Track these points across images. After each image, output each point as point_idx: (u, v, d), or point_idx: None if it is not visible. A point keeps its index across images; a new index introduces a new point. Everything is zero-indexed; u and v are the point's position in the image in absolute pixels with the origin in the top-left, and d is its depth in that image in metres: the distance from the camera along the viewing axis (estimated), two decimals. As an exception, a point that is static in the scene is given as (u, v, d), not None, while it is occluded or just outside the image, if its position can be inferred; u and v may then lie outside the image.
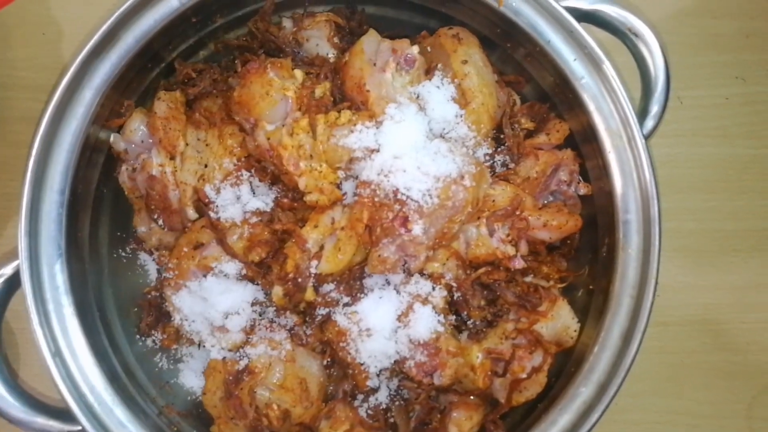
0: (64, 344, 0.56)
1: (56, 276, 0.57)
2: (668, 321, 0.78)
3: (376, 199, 0.60)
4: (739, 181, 0.80)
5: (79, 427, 0.56)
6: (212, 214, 0.63)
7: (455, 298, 0.65)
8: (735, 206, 0.80)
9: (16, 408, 0.55)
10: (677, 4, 0.82)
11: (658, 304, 0.59)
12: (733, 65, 0.82)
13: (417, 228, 0.60)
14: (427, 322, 0.62)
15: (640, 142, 0.60)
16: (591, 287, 0.67)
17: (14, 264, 0.57)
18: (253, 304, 0.65)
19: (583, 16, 0.63)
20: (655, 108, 0.62)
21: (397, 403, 0.65)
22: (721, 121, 0.81)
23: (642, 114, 0.62)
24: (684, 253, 0.79)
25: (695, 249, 0.80)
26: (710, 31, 0.82)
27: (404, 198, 0.60)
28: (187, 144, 0.65)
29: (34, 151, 0.57)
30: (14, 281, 0.57)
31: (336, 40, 0.70)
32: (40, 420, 0.56)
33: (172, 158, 0.65)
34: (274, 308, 0.65)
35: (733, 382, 0.77)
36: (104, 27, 0.60)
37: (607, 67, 0.61)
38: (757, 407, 0.77)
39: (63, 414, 0.57)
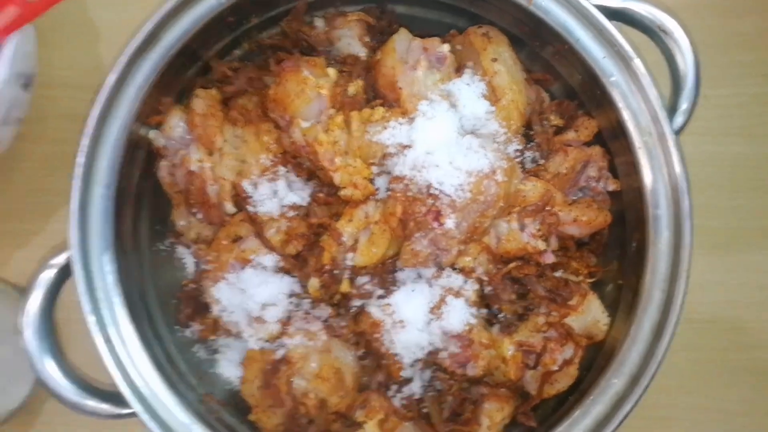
0: (114, 331, 0.59)
1: (105, 267, 0.59)
2: (693, 318, 0.78)
3: (409, 194, 0.62)
4: (765, 179, 0.81)
5: (129, 410, 0.58)
6: (250, 209, 0.65)
7: (486, 291, 0.67)
8: (761, 204, 0.80)
9: (70, 391, 0.58)
10: (701, 2, 0.83)
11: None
12: (759, 64, 0.82)
13: (449, 222, 0.61)
14: (459, 315, 0.63)
15: (670, 138, 0.61)
16: (620, 282, 0.68)
17: (65, 255, 0.59)
18: (289, 296, 0.66)
19: (612, 14, 0.64)
20: (684, 104, 0.63)
21: (429, 393, 0.66)
22: (747, 119, 0.82)
23: (671, 110, 0.63)
24: (709, 251, 0.79)
25: (721, 246, 0.80)
26: (735, 29, 0.83)
27: (437, 192, 0.61)
28: (225, 140, 0.67)
29: (84, 147, 0.59)
30: (66, 271, 0.59)
31: (367, 39, 0.72)
32: (92, 403, 0.59)
33: (211, 154, 0.67)
34: (310, 300, 0.67)
35: (762, 380, 0.78)
36: (148, 27, 0.62)
37: (637, 64, 0.62)
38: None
39: (114, 397, 0.59)
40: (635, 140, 0.63)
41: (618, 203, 0.69)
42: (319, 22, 0.73)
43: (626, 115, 0.63)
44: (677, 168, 0.61)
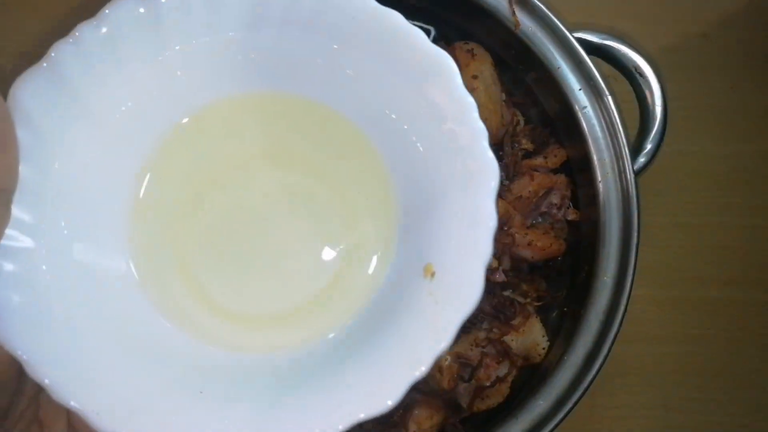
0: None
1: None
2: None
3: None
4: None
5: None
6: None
7: (434, 300, 0.68)
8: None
9: None
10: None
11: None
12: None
13: (407, 227, 0.62)
14: (403, 318, 0.64)
15: (629, 176, 0.63)
16: (565, 309, 0.70)
17: None
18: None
19: (593, 49, 0.66)
20: (649, 146, 0.65)
21: (363, 392, 0.67)
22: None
23: (636, 151, 0.65)
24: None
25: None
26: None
27: (399, 197, 0.62)
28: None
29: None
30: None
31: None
32: None
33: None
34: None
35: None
36: None
37: (609, 100, 0.64)
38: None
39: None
40: (597, 174, 0.65)
41: (575, 233, 0.71)
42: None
43: (592, 149, 0.65)
44: (631, 207, 0.63)
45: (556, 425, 0.59)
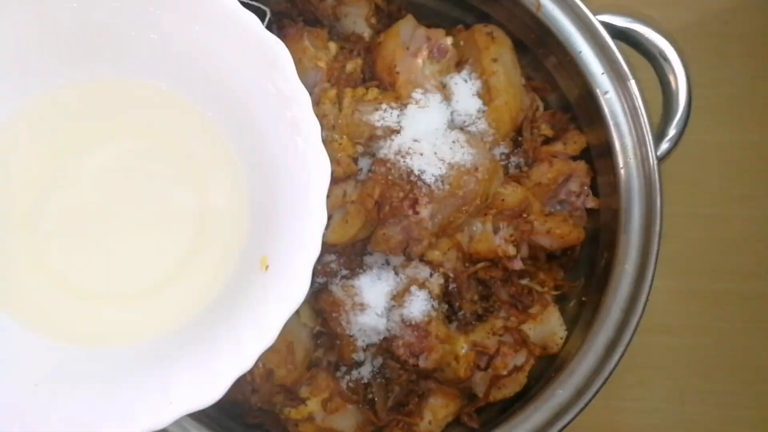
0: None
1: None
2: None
3: (390, 178, 0.62)
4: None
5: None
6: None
7: (450, 288, 0.67)
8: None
9: None
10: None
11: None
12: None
13: (425, 212, 0.61)
14: (421, 306, 0.63)
15: (652, 164, 0.62)
16: (584, 299, 0.68)
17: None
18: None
19: (617, 33, 0.64)
20: (672, 132, 0.63)
21: (378, 380, 0.66)
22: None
23: (659, 136, 0.64)
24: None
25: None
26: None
27: (416, 180, 0.61)
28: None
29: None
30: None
31: (373, 20, 0.72)
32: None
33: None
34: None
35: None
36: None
37: (632, 85, 0.62)
38: None
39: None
40: (619, 161, 0.64)
41: (594, 221, 0.69)
42: (328, -5, 0.73)
43: (614, 134, 0.64)
44: (654, 194, 0.61)
45: (576, 415, 0.58)
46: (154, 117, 0.55)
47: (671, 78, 0.64)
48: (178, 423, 0.58)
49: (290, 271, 0.46)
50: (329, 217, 0.64)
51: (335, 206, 0.65)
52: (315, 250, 0.45)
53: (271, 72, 0.48)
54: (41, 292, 0.52)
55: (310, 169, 0.46)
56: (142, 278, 0.53)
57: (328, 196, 0.63)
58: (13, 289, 0.52)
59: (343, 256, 0.66)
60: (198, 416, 0.63)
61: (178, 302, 0.52)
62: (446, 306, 0.67)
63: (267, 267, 0.48)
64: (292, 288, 0.45)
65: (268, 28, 0.66)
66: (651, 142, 0.62)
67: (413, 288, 0.64)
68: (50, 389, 0.47)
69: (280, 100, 0.48)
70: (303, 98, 0.47)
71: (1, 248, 0.52)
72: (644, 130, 0.62)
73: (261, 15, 0.49)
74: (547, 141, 0.71)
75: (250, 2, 0.50)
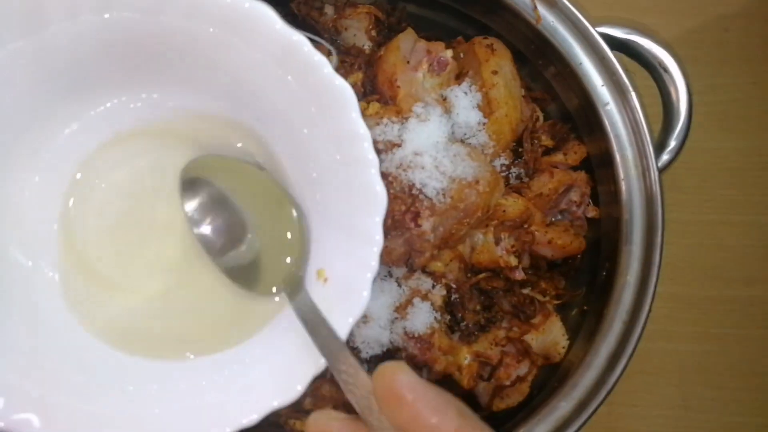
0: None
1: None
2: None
3: (391, 191, 0.62)
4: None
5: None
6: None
7: (452, 299, 0.67)
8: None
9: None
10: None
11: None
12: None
13: (426, 224, 0.62)
14: (424, 317, 0.63)
15: (653, 174, 0.62)
16: (585, 308, 0.69)
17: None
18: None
19: (616, 44, 0.64)
20: (673, 143, 0.64)
21: (381, 391, 0.66)
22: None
23: (660, 147, 0.64)
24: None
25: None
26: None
27: (418, 194, 0.61)
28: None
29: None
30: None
31: (374, 33, 0.72)
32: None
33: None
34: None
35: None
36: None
37: (633, 97, 0.63)
38: None
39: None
40: (620, 171, 0.64)
41: (595, 231, 0.70)
42: (329, 9, 0.73)
43: (615, 146, 0.64)
44: (655, 205, 0.62)
45: (579, 428, 0.58)
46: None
47: (671, 89, 0.64)
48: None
49: (350, 284, 0.51)
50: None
51: (338, 219, 0.65)
52: (375, 268, 0.52)
53: (333, 111, 0.52)
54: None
55: (371, 197, 0.52)
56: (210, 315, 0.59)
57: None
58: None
59: (346, 269, 0.67)
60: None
61: (249, 314, 0.58)
62: (449, 317, 0.67)
63: (326, 279, 0.54)
64: (352, 300, 0.51)
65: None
66: (652, 153, 0.62)
67: (416, 300, 0.64)
68: (140, 394, 0.53)
69: (337, 140, 0.53)
70: (364, 137, 0.52)
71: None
72: (645, 142, 0.62)
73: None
74: (548, 151, 0.71)
75: (313, 37, 0.53)
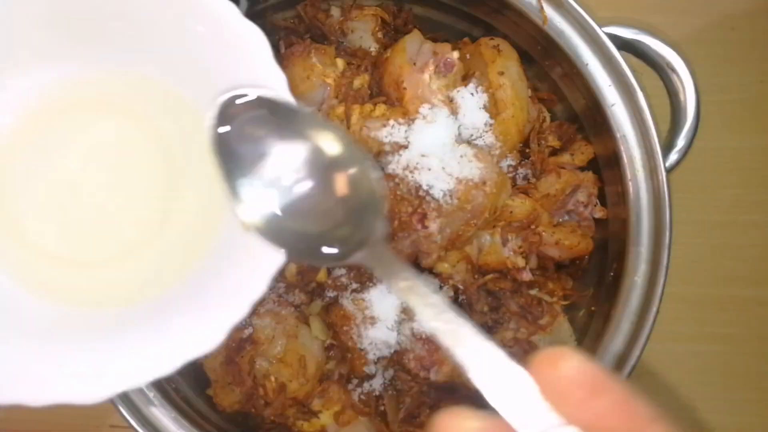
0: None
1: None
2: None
3: (398, 193, 0.62)
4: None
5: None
6: (239, 185, 0.65)
7: (460, 300, 0.67)
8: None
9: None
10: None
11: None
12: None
13: (434, 226, 0.62)
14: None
15: (661, 175, 0.62)
16: (593, 309, 0.69)
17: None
18: (264, 277, 0.66)
19: (623, 44, 0.64)
20: (681, 143, 0.64)
21: (389, 392, 0.67)
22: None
23: (668, 147, 0.64)
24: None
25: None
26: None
27: (425, 195, 0.61)
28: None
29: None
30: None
31: (380, 35, 0.72)
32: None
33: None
34: (285, 285, 0.67)
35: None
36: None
37: (640, 97, 0.63)
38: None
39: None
40: (627, 172, 0.64)
41: (603, 231, 0.70)
42: (335, 12, 0.74)
43: (622, 146, 0.64)
44: (663, 205, 0.62)
45: (588, 428, 0.58)
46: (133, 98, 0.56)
47: (679, 89, 0.64)
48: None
49: None
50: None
51: (345, 221, 0.65)
52: None
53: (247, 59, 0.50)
54: (31, 259, 0.55)
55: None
56: (125, 242, 0.55)
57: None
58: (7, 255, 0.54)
59: (353, 271, 0.67)
60: (212, 430, 0.64)
61: (167, 262, 0.55)
62: (456, 318, 0.67)
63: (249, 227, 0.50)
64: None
65: (276, 47, 0.67)
66: (659, 153, 0.62)
67: (423, 301, 0.64)
68: (57, 349, 0.50)
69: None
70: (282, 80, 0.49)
71: None
72: (652, 142, 0.62)
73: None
74: (555, 152, 0.71)
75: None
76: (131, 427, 0.61)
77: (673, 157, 0.64)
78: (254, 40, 0.50)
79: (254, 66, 0.50)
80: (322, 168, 0.50)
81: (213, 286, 0.51)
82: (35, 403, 0.47)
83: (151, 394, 0.61)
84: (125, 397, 0.61)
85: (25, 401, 0.47)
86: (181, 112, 0.55)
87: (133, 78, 0.55)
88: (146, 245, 0.55)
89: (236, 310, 0.48)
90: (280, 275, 0.67)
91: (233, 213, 0.49)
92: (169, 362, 0.48)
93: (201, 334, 0.49)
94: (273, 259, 0.48)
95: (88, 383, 0.48)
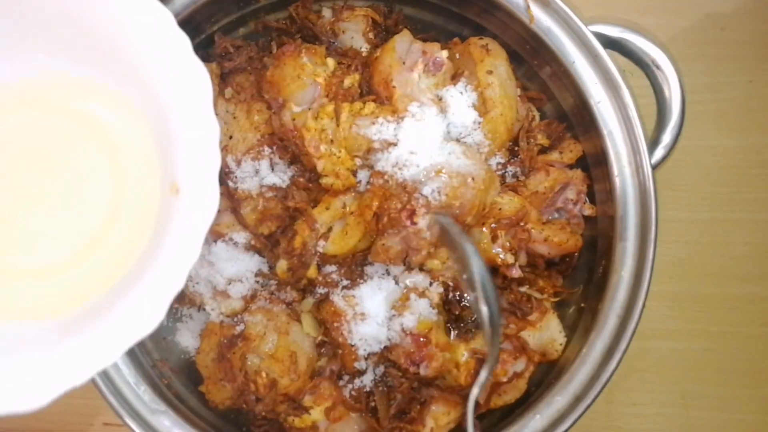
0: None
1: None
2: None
3: (388, 189, 0.63)
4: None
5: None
6: (230, 184, 0.66)
7: (450, 296, 0.68)
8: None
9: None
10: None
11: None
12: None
13: (422, 222, 0.62)
14: (421, 315, 0.64)
15: (647, 170, 0.63)
16: (582, 306, 0.69)
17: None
18: (256, 275, 0.67)
19: (609, 42, 0.65)
20: (667, 139, 0.64)
21: (380, 388, 0.67)
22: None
23: (653, 144, 0.64)
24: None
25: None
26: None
27: (414, 191, 0.62)
28: (216, 114, 0.68)
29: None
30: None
31: (371, 35, 0.73)
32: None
33: (200, 125, 0.68)
34: (276, 282, 0.68)
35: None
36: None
37: (625, 94, 0.63)
38: None
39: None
40: (614, 168, 0.64)
41: (592, 229, 0.70)
42: (326, 12, 0.74)
43: (608, 143, 0.65)
44: (649, 201, 0.62)
45: (575, 421, 0.58)
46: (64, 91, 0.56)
47: (664, 86, 0.65)
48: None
49: (200, 189, 0.48)
50: (329, 229, 0.66)
51: (335, 218, 0.66)
52: (215, 159, 0.48)
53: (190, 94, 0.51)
54: None
55: (191, 83, 0.49)
56: (76, 248, 0.54)
57: (327, 208, 0.65)
58: None
59: (343, 267, 0.67)
60: (204, 426, 0.64)
61: (113, 260, 0.54)
62: (446, 314, 0.67)
63: (177, 190, 0.50)
64: (204, 203, 0.48)
65: (268, 45, 0.68)
66: (645, 149, 0.63)
67: (413, 296, 0.65)
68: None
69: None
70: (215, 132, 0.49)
71: None
72: (638, 137, 0.63)
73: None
74: (544, 150, 0.72)
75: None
76: (124, 424, 0.62)
77: (659, 153, 0.64)
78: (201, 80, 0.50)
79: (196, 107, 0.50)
80: None
81: (151, 266, 0.50)
82: None
83: (143, 392, 0.62)
84: (119, 395, 0.61)
85: None
86: (122, 111, 0.55)
87: (73, 79, 0.55)
88: (95, 249, 0.54)
89: (175, 282, 0.47)
90: (272, 272, 0.67)
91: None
92: (112, 347, 0.47)
93: (144, 314, 0.48)
94: (201, 220, 0.47)
95: (28, 391, 0.47)
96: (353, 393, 0.66)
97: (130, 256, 0.53)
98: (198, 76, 0.49)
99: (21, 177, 0.55)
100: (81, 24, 0.52)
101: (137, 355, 0.63)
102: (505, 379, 0.65)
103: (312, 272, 0.66)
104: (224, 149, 0.67)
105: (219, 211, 0.66)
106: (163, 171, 0.53)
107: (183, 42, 0.50)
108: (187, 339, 0.70)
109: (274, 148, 0.68)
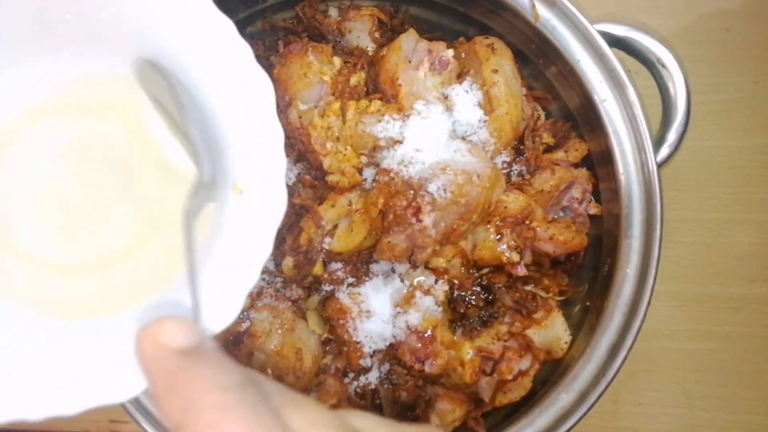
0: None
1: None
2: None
3: (393, 187, 0.63)
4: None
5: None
6: (237, 181, 0.66)
7: (455, 294, 0.68)
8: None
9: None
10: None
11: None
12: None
13: (428, 220, 0.62)
14: (426, 312, 0.64)
15: (652, 169, 0.63)
16: (588, 304, 0.69)
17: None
18: (262, 272, 0.67)
19: (614, 41, 0.65)
20: (672, 137, 0.64)
21: (385, 386, 0.67)
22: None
23: (659, 142, 0.65)
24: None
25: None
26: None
27: (419, 189, 0.62)
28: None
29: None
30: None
31: (377, 34, 0.74)
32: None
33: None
34: (282, 279, 0.68)
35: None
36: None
37: (631, 92, 0.64)
38: None
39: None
40: (619, 165, 0.64)
41: (597, 228, 0.70)
42: (333, 12, 0.75)
43: (614, 141, 0.65)
44: (654, 199, 0.62)
45: (580, 419, 0.58)
46: (114, 97, 0.56)
47: (669, 84, 0.65)
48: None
49: (265, 186, 0.49)
50: (335, 227, 0.66)
51: (341, 216, 0.66)
52: (281, 161, 0.48)
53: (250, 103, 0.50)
54: (16, 268, 0.53)
55: (253, 90, 0.49)
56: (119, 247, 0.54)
57: (333, 205, 0.66)
58: None
59: (349, 264, 0.67)
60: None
61: (163, 260, 0.53)
62: (451, 312, 0.68)
63: (241, 191, 0.51)
64: (272, 201, 0.48)
65: (275, 44, 0.68)
66: (650, 148, 0.63)
67: (418, 294, 0.65)
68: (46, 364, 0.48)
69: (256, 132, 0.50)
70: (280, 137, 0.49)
71: None
72: (643, 136, 0.63)
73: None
74: (549, 149, 0.72)
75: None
76: (132, 421, 0.62)
77: (665, 151, 0.65)
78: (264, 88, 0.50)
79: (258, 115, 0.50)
80: None
81: (220, 261, 0.50)
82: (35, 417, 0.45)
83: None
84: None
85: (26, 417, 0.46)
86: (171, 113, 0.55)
87: (106, 76, 0.55)
88: (142, 246, 0.53)
89: (250, 276, 0.47)
90: (278, 270, 0.68)
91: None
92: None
93: (222, 306, 0.47)
94: (273, 217, 0.48)
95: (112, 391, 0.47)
96: (358, 390, 0.66)
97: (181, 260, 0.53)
98: (261, 84, 0.50)
99: (84, 182, 0.55)
100: (137, 26, 0.52)
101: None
102: (510, 377, 0.65)
103: (318, 269, 0.66)
104: (231, 147, 0.68)
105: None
106: (223, 173, 0.53)
107: (245, 51, 0.51)
108: (192, 336, 0.70)
109: (281, 145, 0.68)
